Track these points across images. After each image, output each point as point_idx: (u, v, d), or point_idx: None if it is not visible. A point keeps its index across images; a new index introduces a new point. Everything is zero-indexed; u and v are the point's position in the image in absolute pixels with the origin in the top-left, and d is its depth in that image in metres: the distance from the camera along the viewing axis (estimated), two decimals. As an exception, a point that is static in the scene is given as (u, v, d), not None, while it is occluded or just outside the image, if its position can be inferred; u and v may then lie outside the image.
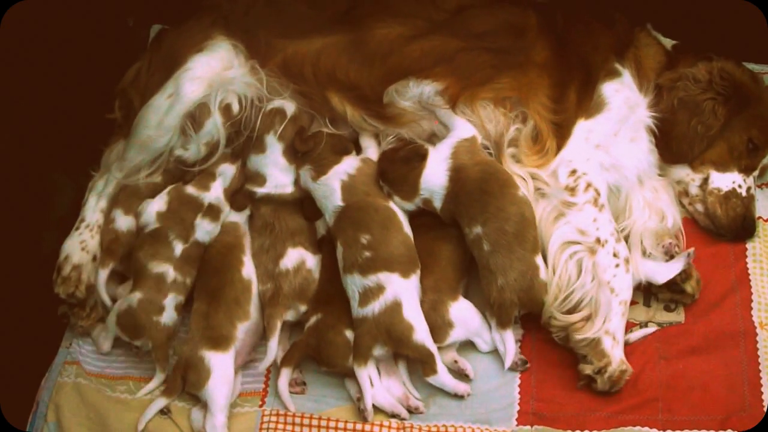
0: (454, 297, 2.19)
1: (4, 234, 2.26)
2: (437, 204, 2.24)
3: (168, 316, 2.24)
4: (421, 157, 2.27)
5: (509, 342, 2.14)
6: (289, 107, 2.38)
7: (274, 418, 2.18)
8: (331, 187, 2.27)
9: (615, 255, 2.17)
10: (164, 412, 2.20)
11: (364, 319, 2.14)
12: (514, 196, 2.20)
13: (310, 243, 2.32)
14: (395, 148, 2.35)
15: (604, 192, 2.25)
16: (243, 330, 2.21)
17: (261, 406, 2.21)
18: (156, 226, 2.29)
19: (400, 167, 2.28)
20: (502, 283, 2.12)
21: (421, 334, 2.12)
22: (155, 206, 2.30)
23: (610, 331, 2.10)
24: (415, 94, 2.31)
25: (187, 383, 2.17)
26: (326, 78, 2.36)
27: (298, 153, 2.35)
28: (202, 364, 2.14)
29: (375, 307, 2.13)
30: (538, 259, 2.17)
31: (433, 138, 2.38)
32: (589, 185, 2.23)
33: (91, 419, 2.22)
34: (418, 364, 2.13)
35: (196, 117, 2.33)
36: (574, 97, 2.31)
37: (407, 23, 2.35)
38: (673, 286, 2.23)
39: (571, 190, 2.23)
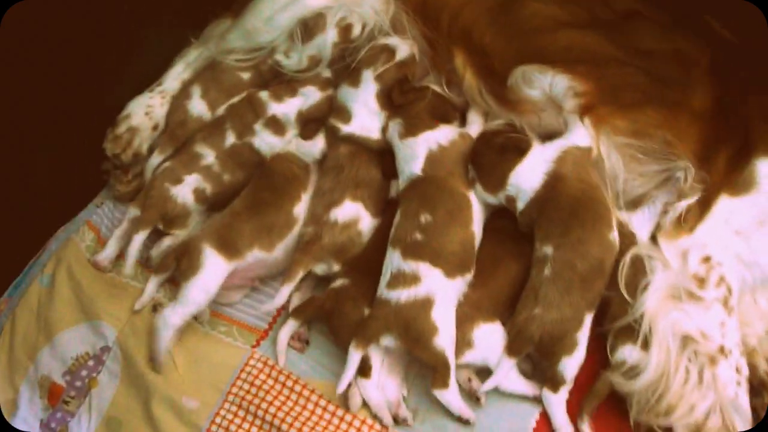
0: (489, 319, 1.91)
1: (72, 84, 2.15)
2: (520, 205, 1.95)
3: (182, 191, 2.08)
4: (521, 150, 1.98)
5: (502, 369, 1.86)
6: (403, 50, 2.13)
7: (259, 365, 1.98)
8: (416, 153, 2.01)
9: (737, 371, 1.81)
10: (156, 308, 2.04)
11: (386, 302, 1.89)
12: (603, 237, 1.89)
13: (374, 202, 2.07)
14: (497, 131, 2.06)
15: (737, 291, 1.87)
16: (255, 257, 2.01)
17: (254, 346, 2.01)
18: (220, 115, 2.15)
19: (494, 154, 1.99)
20: (536, 314, 1.83)
21: (445, 340, 1.85)
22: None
23: None
24: (545, 84, 1.99)
25: (177, 269, 1.99)
26: (460, 33, 2.09)
27: (393, 102, 2.10)
28: (198, 256, 1.96)
29: (402, 295, 1.88)
30: (588, 319, 1.86)
31: (544, 137, 2.05)
32: (722, 280, 1.85)
33: (82, 290, 2.08)
34: (429, 372, 1.87)
35: (309, 26, 2.13)
36: (722, 165, 1.93)
37: (566, 6, 2.05)
38: None
39: (701, 281, 1.85)
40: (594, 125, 1.96)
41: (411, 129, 2.05)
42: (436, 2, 2.12)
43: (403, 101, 2.09)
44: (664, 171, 1.95)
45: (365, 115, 2.11)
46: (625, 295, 1.85)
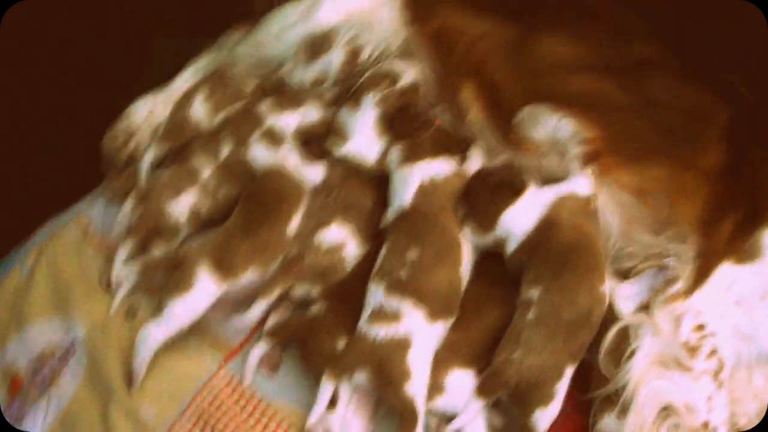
0: (465, 364, 1.82)
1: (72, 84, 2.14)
2: (509, 248, 1.87)
3: (177, 208, 2.03)
4: (515, 191, 1.90)
5: (469, 411, 1.76)
6: (408, 76, 2.07)
7: (225, 381, 1.91)
8: (408, 183, 1.94)
9: None
10: (129, 312, 1.99)
11: (364, 336, 1.81)
12: (593, 287, 1.78)
13: (362, 229, 2.00)
14: (493, 170, 1.98)
15: (730, 366, 1.76)
16: (249, 279, 1.94)
17: (222, 364, 1.94)
18: (216, 125, 2.12)
19: (488, 192, 1.92)
20: (516, 358, 1.73)
21: (415, 387, 1.76)
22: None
23: None
24: (551, 126, 1.92)
25: (166, 281, 1.92)
26: (473, 66, 2.03)
27: (394, 129, 2.04)
28: (191, 274, 1.89)
29: (381, 332, 1.80)
30: (568, 371, 1.75)
31: (544, 181, 1.96)
32: (714, 352, 1.74)
33: (59, 284, 2.05)
34: (396, 418, 1.78)
35: (316, 45, 2.08)
36: (727, 230, 1.83)
37: (579, 49, 1.98)
38: None
39: (691, 350, 1.74)
40: (596, 175, 1.88)
41: (410, 156, 1.98)
42: (452, 32, 2.07)
43: (406, 129, 2.03)
44: (658, 247, 1.84)
45: (363, 138, 2.04)
46: (603, 366, 1.76)
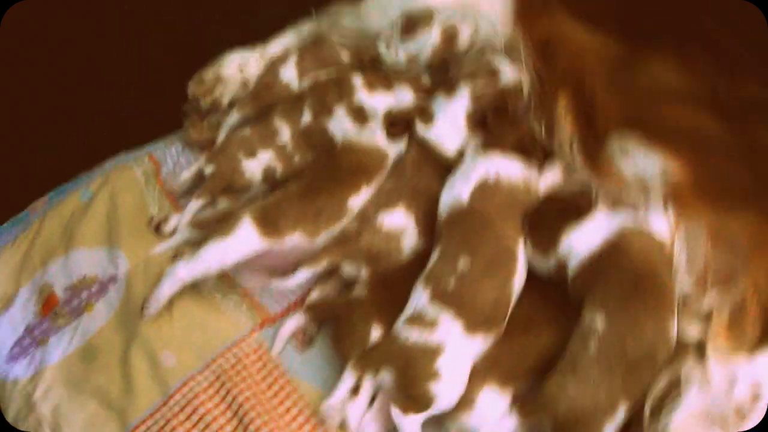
0: (502, 383, 1.68)
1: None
2: (572, 267, 1.72)
3: (252, 166, 1.98)
4: (581, 212, 1.76)
5: (501, 428, 1.63)
6: (509, 76, 1.95)
7: (254, 346, 1.84)
8: (473, 172, 1.82)
9: None
10: (177, 255, 1.95)
11: (396, 337, 1.71)
12: (661, 322, 1.62)
13: (426, 219, 1.88)
14: (565, 196, 1.84)
15: None
16: (294, 241, 1.86)
17: (256, 328, 1.88)
18: (302, 89, 2.05)
19: (553, 212, 1.80)
20: (569, 386, 1.59)
21: (443, 390, 1.65)
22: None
23: None
24: (637, 163, 1.77)
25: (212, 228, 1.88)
26: (574, 78, 1.90)
27: (485, 127, 1.92)
28: (234, 222, 1.84)
29: (414, 335, 1.69)
30: (621, 411, 1.58)
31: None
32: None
33: (116, 216, 2.03)
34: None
35: (413, 21, 1.99)
36: None
37: (687, 78, 1.83)
38: None
39: (742, 415, 1.58)
40: (677, 216, 1.72)
41: (485, 144, 1.87)
42: (561, 41, 1.95)
43: (496, 130, 1.92)
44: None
45: (449, 125, 1.94)
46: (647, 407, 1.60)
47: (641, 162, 1.77)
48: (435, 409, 1.66)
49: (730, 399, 1.57)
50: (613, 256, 1.70)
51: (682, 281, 1.69)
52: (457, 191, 1.83)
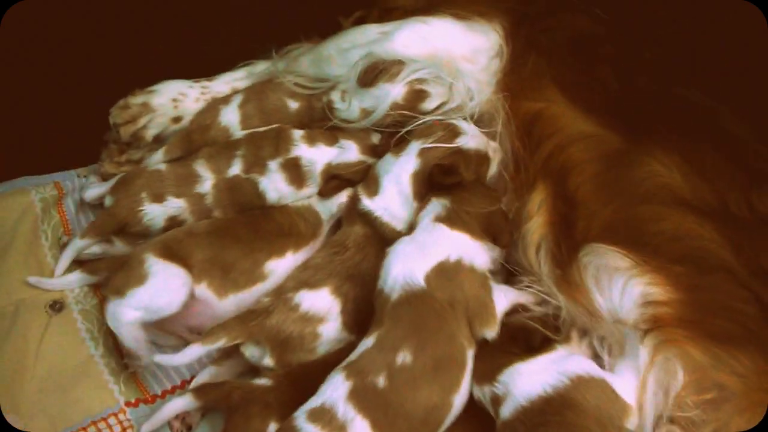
0: None
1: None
2: (505, 411, 1.38)
3: (155, 212, 1.70)
4: (532, 347, 1.44)
5: None
6: (472, 140, 1.64)
7: (118, 428, 1.53)
8: (430, 251, 1.49)
9: None
10: (55, 307, 1.67)
11: (293, 427, 1.36)
12: None
13: (355, 310, 1.57)
14: (531, 326, 1.50)
15: None
16: (200, 293, 1.59)
17: (129, 405, 1.56)
18: (237, 137, 1.78)
19: (500, 338, 1.47)
20: None
21: None
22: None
23: None
24: (617, 285, 1.45)
25: (110, 282, 1.60)
26: (557, 170, 1.60)
27: (432, 184, 1.61)
28: (140, 266, 1.57)
29: None
30: None
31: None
32: None
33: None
34: None
35: (376, 69, 1.70)
36: None
37: (692, 180, 1.51)
38: None
39: None
40: (658, 345, 1.39)
41: (452, 219, 1.54)
42: (550, 123, 1.65)
43: (443, 190, 1.59)
44: None
45: (394, 193, 1.63)
46: None
47: (619, 286, 1.45)
48: None
49: None
50: (558, 410, 1.36)
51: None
52: (410, 267, 1.49)
